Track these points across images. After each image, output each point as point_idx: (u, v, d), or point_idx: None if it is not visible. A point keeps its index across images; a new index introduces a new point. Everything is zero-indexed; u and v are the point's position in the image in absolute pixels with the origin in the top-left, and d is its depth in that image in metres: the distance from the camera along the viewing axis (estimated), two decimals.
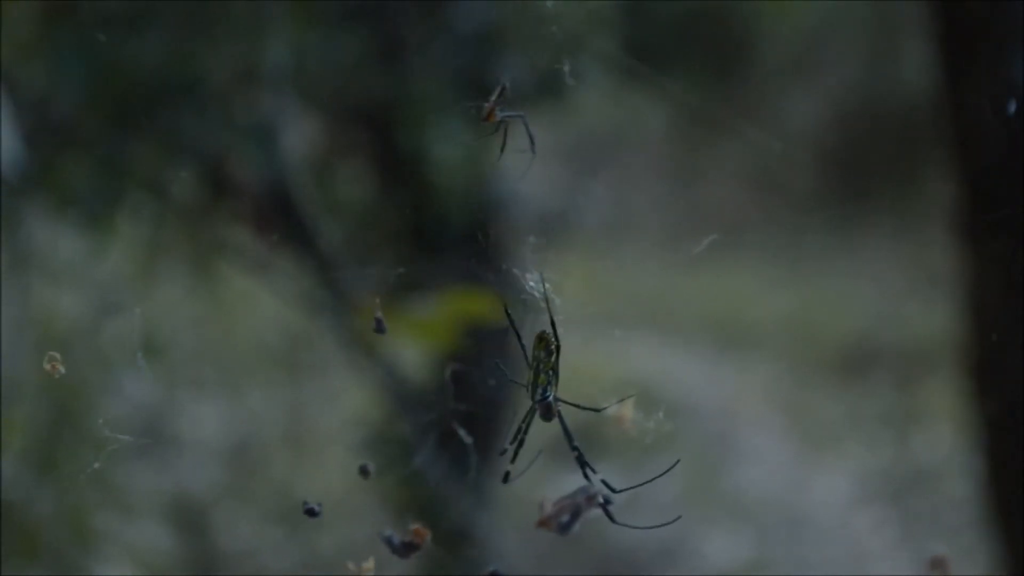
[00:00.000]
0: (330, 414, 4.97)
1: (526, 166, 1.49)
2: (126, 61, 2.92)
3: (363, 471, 1.53)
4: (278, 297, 3.28)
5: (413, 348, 3.18)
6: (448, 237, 3.23)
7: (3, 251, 3.29)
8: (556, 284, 1.43)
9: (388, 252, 3.55)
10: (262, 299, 4.03)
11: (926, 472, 5.53)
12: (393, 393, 3.25)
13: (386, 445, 3.31)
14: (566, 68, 1.74)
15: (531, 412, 1.44)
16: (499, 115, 1.46)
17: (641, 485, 1.43)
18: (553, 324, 1.41)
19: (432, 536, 1.46)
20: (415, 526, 1.44)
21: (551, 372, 1.42)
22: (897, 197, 6.38)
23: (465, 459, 1.63)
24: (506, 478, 1.46)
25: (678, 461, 1.54)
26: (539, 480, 1.58)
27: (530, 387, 1.43)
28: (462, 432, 1.59)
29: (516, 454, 1.44)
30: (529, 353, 1.43)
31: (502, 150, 1.48)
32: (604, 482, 1.43)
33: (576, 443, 1.43)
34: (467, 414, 1.62)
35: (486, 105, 1.46)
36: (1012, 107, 2.22)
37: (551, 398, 1.42)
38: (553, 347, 1.41)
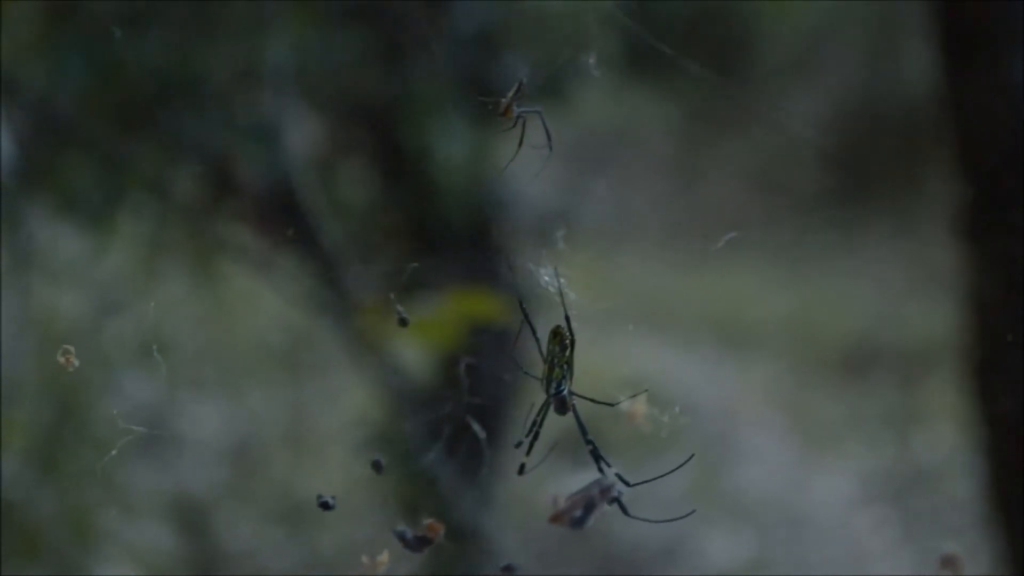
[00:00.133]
0: (331, 414, 4.97)
1: (542, 163, 1.49)
2: (127, 61, 2.92)
3: (376, 466, 1.53)
4: (280, 297, 3.28)
5: (414, 348, 3.18)
6: (451, 236, 3.24)
7: (4, 251, 3.29)
8: (569, 280, 1.44)
9: (391, 251, 3.55)
10: (264, 298, 4.03)
11: (927, 472, 5.53)
12: (396, 392, 3.25)
13: (388, 444, 3.31)
14: (591, 60, 1.73)
15: (545, 405, 1.44)
16: (516, 111, 1.46)
17: (656, 479, 1.43)
18: (568, 319, 1.42)
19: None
20: (429, 520, 1.44)
21: (566, 366, 1.42)
22: (898, 197, 6.38)
23: (476, 455, 1.63)
24: (521, 470, 1.46)
25: (692, 456, 1.54)
26: (539, 480, 1.58)
27: (544, 381, 1.43)
28: (476, 427, 1.59)
29: (531, 447, 1.44)
30: (544, 348, 1.43)
31: (519, 146, 1.48)
32: (619, 475, 1.43)
33: (590, 436, 1.43)
34: (480, 409, 1.62)
35: (503, 101, 1.46)
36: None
37: (566, 392, 1.42)
38: (568, 341, 1.42)
